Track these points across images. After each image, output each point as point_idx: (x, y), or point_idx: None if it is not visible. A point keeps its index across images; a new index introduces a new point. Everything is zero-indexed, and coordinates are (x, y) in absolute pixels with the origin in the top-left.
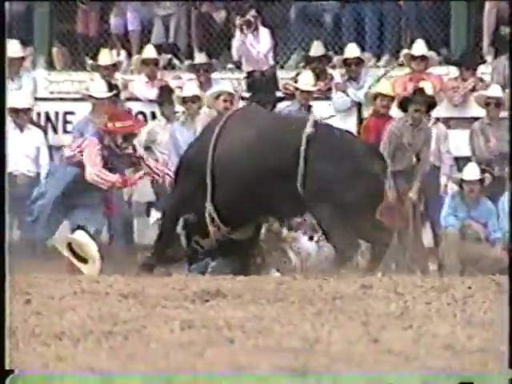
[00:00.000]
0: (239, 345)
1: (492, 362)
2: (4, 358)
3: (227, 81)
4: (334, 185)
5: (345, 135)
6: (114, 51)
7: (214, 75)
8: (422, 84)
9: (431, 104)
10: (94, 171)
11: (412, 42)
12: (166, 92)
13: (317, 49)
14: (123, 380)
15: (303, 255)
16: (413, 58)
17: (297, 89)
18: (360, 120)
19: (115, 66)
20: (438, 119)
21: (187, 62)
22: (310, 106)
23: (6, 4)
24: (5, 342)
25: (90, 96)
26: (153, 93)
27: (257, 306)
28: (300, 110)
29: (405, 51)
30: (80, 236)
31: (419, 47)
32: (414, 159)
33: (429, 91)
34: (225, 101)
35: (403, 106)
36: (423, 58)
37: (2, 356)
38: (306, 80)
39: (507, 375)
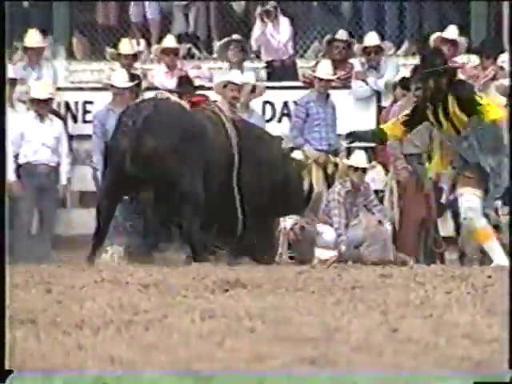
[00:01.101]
0: (259, 334)
1: None
2: (4, 358)
3: (236, 71)
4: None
5: None
6: (134, 41)
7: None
8: None
9: None
10: None
11: (431, 31)
12: (185, 81)
13: (341, 35)
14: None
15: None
16: (444, 41)
17: (315, 77)
18: (379, 109)
19: (135, 56)
20: None
21: (222, 41)
22: (328, 95)
23: None
24: (5, 342)
25: (112, 86)
26: (172, 82)
27: (276, 296)
28: (318, 98)
29: (436, 34)
30: None
31: (452, 31)
32: (427, 139)
33: None
34: (231, 90)
35: (405, 86)
36: (454, 42)
37: (2, 356)
38: (325, 69)
39: (507, 375)
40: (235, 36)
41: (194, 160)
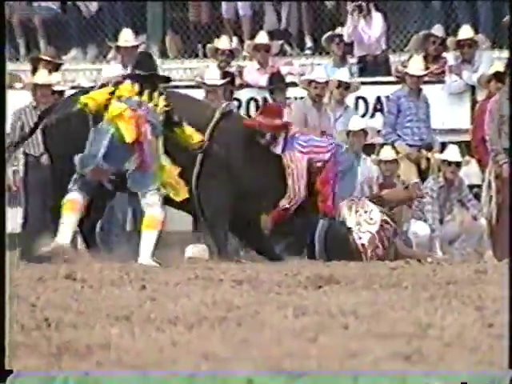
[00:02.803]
0: (352, 331)
1: None
2: (4, 357)
3: (320, 68)
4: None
5: None
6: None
7: (320, 60)
8: None
9: None
10: None
11: None
12: (276, 78)
13: (437, 30)
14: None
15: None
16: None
17: (406, 73)
18: (474, 103)
19: (232, 52)
20: None
21: (326, 35)
22: (420, 90)
23: None
24: (5, 342)
25: (204, 83)
26: (264, 79)
27: (370, 292)
28: (410, 93)
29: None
30: None
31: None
32: None
33: None
34: (315, 88)
35: (500, 79)
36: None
37: (1, 356)
38: (416, 65)
39: (507, 375)
40: (338, 30)
41: None
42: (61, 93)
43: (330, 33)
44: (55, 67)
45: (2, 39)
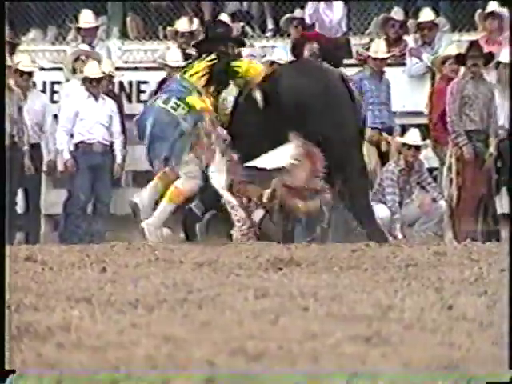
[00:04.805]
0: (312, 313)
1: None
2: (4, 357)
3: (282, 50)
4: None
5: None
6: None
7: (281, 42)
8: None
9: (488, 57)
10: None
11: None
12: None
13: (397, 13)
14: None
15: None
16: (485, 16)
17: (369, 56)
18: (434, 86)
19: (193, 35)
20: None
21: (284, 17)
22: (382, 73)
23: None
24: (4, 342)
25: (166, 65)
26: None
27: (330, 274)
28: (372, 76)
29: (478, 11)
30: None
31: (492, 5)
32: (485, 115)
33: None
34: None
35: (461, 62)
36: (495, 16)
37: (1, 356)
38: (379, 48)
39: (507, 375)
40: (297, 13)
41: None
42: (29, 74)
43: (288, 15)
44: (12, 48)
45: (2, 39)
